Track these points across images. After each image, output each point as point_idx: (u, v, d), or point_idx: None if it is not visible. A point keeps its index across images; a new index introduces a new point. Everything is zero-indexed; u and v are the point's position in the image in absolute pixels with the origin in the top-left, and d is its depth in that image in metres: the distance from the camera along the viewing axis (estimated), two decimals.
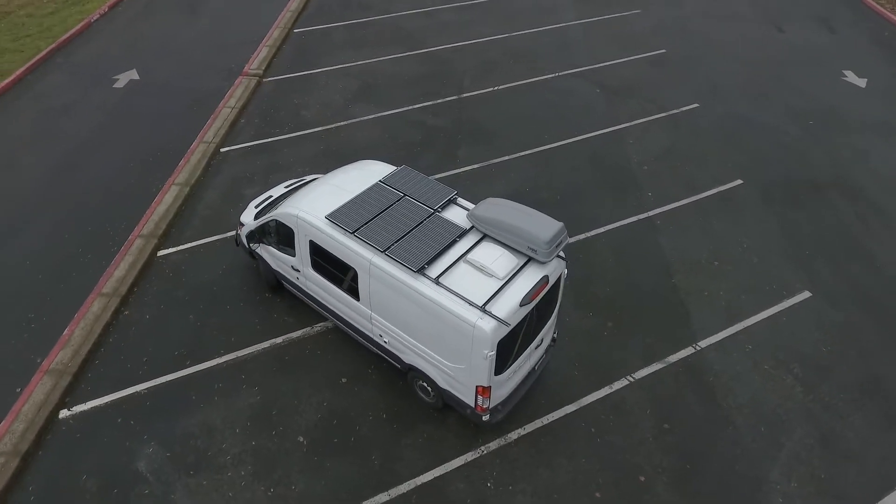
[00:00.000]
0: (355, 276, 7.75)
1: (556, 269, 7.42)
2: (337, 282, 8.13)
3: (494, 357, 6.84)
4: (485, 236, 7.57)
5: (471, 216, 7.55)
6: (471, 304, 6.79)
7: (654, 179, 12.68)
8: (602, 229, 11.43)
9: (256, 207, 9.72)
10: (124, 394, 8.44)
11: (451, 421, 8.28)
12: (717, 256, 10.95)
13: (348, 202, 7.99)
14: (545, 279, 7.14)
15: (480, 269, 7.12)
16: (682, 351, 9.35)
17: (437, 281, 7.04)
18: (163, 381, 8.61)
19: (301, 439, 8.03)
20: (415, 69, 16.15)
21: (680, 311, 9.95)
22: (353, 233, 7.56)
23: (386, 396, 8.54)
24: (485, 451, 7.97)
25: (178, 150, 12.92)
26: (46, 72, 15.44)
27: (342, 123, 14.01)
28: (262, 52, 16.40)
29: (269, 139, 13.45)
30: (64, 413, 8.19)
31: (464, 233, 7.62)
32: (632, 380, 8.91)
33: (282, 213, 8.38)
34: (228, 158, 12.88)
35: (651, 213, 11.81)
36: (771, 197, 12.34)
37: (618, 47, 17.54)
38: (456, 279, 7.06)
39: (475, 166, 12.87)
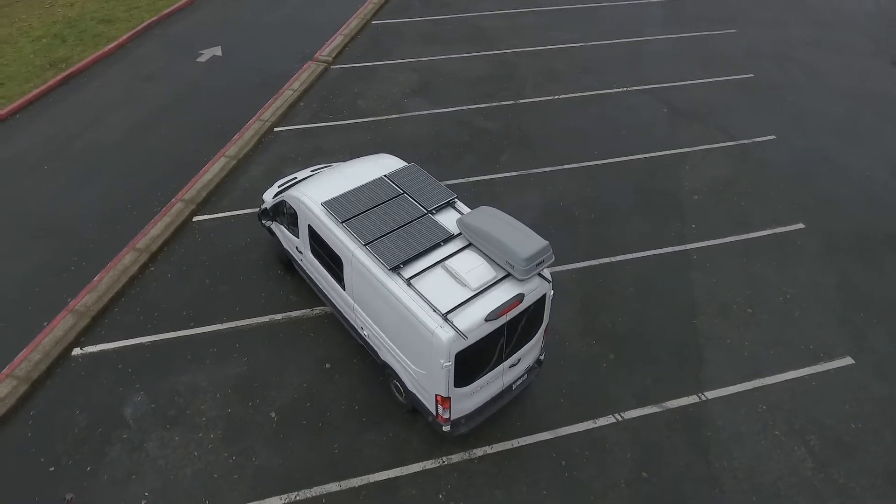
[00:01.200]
0: (341, 265, 7.85)
1: (536, 288, 7.10)
2: (329, 268, 8.28)
3: (452, 368, 6.67)
4: (469, 245, 7.39)
5: (459, 222, 7.40)
6: (435, 310, 6.66)
7: (703, 211, 11.78)
8: (630, 255, 10.79)
9: (279, 187, 10.09)
10: (130, 343, 9.10)
11: (420, 425, 8.18)
12: (752, 303, 10.01)
13: (347, 192, 8.10)
14: (519, 297, 6.85)
15: (455, 276, 6.96)
16: (684, 398, 8.64)
17: (408, 282, 6.97)
18: (166, 337, 9.19)
19: (273, 415, 8.27)
20: (479, 70, 16.04)
21: (693, 355, 9.20)
22: (341, 222, 7.66)
23: (363, 389, 8.59)
24: (445, 462, 7.81)
25: (237, 125, 13.67)
26: (144, 41, 16.88)
27: (393, 116, 14.20)
28: (337, 40, 16.97)
29: (321, 124, 13.90)
30: (76, 351, 8.97)
31: (450, 238, 7.49)
32: (619, 419, 8.36)
33: (289, 195, 8.65)
34: (279, 138, 13.47)
35: (689, 247, 10.99)
36: (834, 247, 11.08)
37: (700, 67, 16.44)
38: (428, 283, 6.95)
39: (514, 174, 12.58)
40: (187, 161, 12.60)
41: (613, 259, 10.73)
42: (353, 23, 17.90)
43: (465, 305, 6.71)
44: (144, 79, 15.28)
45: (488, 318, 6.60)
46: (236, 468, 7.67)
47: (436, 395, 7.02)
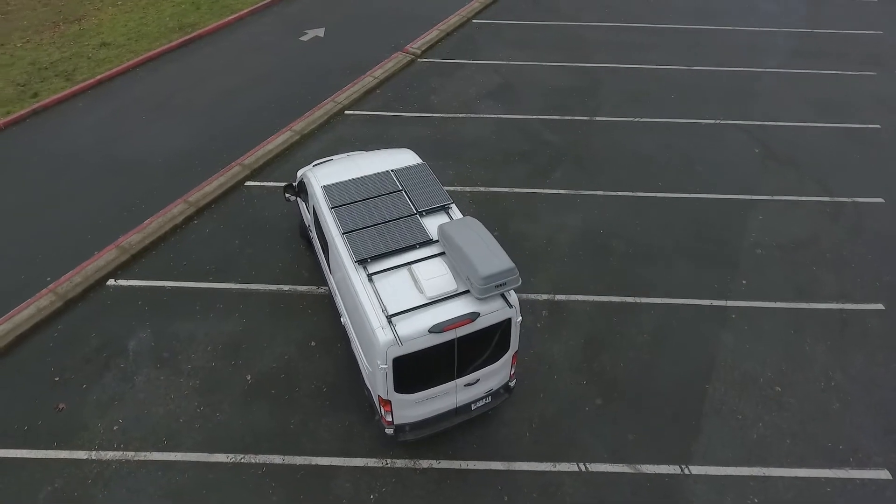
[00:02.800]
0: (328, 249, 8.01)
1: (497, 311, 6.74)
2: (323, 250, 8.49)
3: (391, 372, 6.56)
4: (442, 253, 7.19)
5: (439, 229, 7.21)
6: (383, 310, 6.58)
7: (761, 268, 10.48)
8: (658, 300, 9.89)
9: (313, 166, 10.49)
10: (154, 284, 9.99)
11: (379, 421, 8.16)
12: (783, 381, 8.75)
13: (349, 180, 8.24)
14: (472, 315, 6.54)
15: (415, 281, 6.81)
16: (665, 466, 7.79)
17: (370, 277, 6.94)
18: (184, 286, 9.97)
19: (248, 377, 8.67)
20: (563, 80, 15.47)
21: (692, 422, 8.25)
22: (332, 207, 7.81)
23: (336, 373, 8.73)
24: (388, 465, 7.73)
25: (313, 103, 14.39)
26: (261, 17, 18.28)
27: (460, 115, 14.15)
28: (431, 35, 17.20)
29: (389, 113, 14.20)
30: (110, 282, 10.02)
31: (427, 242, 7.34)
32: (583, 469, 7.73)
33: (304, 173, 8.97)
34: (347, 121, 13.97)
35: (731, 303, 9.84)
36: None
37: (817, 109, 14.57)
38: (389, 282, 6.87)
39: (560, 191, 12.02)
40: (260, 129, 13.49)
41: (638, 300, 9.90)
42: (454, 19, 18.03)
43: (415, 312, 6.55)
44: (251, 50, 16.55)
45: (432, 330, 6.39)
46: (200, 418, 8.17)
47: (378, 396, 6.96)
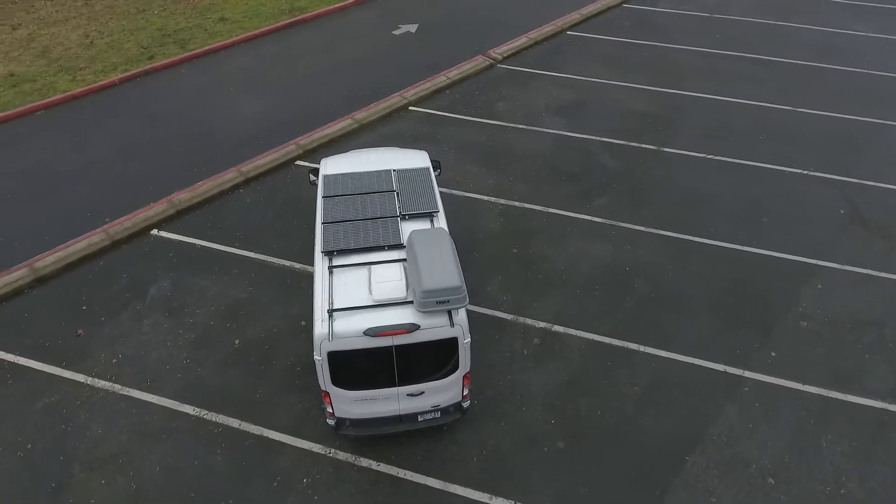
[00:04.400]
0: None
1: (441, 328, 6.58)
2: None
3: (326, 365, 6.66)
4: (404, 259, 7.13)
5: (409, 235, 7.17)
6: (329, 303, 6.69)
7: (799, 343, 9.25)
8: (663, 353, 9.10)
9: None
10: (188, 240, 10.90)
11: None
12: (781, 473, 7.70)
13: (352, 172, 8.44)
14: (410, 326, 6.44)
15: (368, 282, 6.84)
16: None
17: (330, 269, 7.09)
18: (212, 247, 10.77)
19: (236, 342, 9.22)
20: (641, 104, 14.59)
21: (655, 492, 7.53)
22: (323, 197, 8.05)
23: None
24: (329, 454, 7.87)
25: (382, 94, 14.82)
26: (364, 8, 19.05)
27: (520, 126, 13.86)
28: (519, 42, 16.96)
29: (450, 114, 14.26)
30: (154, 231, 11.08)
31: (396, 246, 7.33)
32: None
33: (322, 161, 9.31)
34: (407, 116, 14.23)
35: (748, 374, 8.81)
36: None
37: None
38: (345, 278, 6.98)
39: (597, 219, 11.39)
40: (326, 112, 14.14)
41: (641, 348, 9.17)
42: (547, 29, 17.63)
43: (357, 312, 6.60)
44: (344, 38, 17.36)
45: (366, 333, 6.41)
46: (183, 369, 8.84)
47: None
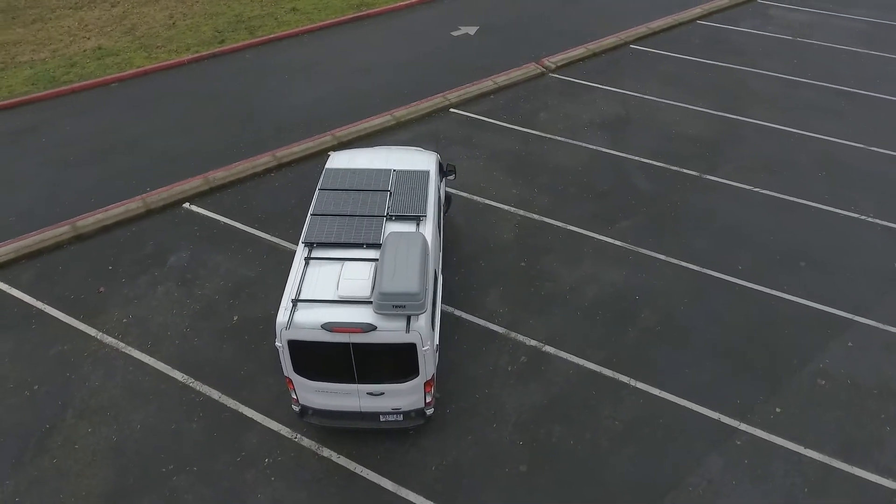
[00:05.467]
0: None
1: (398, 331, 6.55)
2: None
3: (285, 351, 6.84)
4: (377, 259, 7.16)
5: (385, 237, 7.19)
6: (296, 293, 6.86)
7: (811, 402, 8.47)
8: (654, 391, 8.61)
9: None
10: (213, 216, 11.48)
11: None
12: None
13: (351, 169, 8.56)
14: (366, 326, 6.46)
15: (338, 277, 6.93)
16: None
17: (306, 259, 7.25)
18: (234, 225, 11.29)
19: (235, 318, 9.63)
20: (692, 127, 13.82)
21: None
22: (319, 189, 8.23)
23: None
24: (295, 439, 8.06)
25: (427, 94, 14.90)
26: (428, 7, 19.22)
27: (558, 138, 13.51)
28: (576, 52, 16.53)
29: (490, 119, 14.13)
30: (186, 205, 11.76)
31: (375, 246, 7.36)
32: None
33: (331, 154, 9.51)
34: (446, 117, 14.24)
35: (744, 428, 8.17)
36: None
37: None
38: (318, 271, 7.11)
39: (617, 243, 10.92)
40: (368, 107, 14.41)
41: (631, 382, 8.72)
42: (609, 41, 17.06)
43: (320, 305, 6.71)
44: (404, 35, 17.62)
45: (323, 326, 6.50)
46: (180, 337, 9.34)
47: None
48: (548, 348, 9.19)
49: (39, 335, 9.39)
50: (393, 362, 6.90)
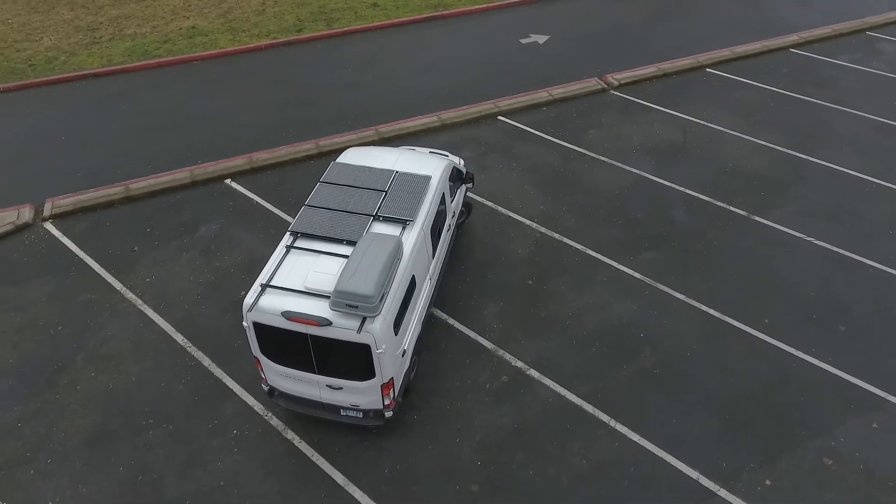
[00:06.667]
0: None
1: (350, 329, 6.61)
2: None
3: (251, 332, 7.12)
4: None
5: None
6: (269, 278, 7.10)
7: (808, 482, 7.64)
8: (634, 437, 8.11)
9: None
10: (248, 194, 12.12)
11: None
12: None
13: (356, 165, 8.70)
14: (322, 320, 6.58)
15: (310, 267, 7.12)
16: None
17: (288, 247, 7.49)
18: (264, 205, 11.85)
19: (242, 293, 10.09)
20: (756, 163, 12.80)
21: None
22: (320, 181, 8.45)
23: None
24: (266, 416, 8.37)
25: (479, 99, 14.83)
26: (504, 12, 19.08)
27: (601, 158, 13.00)
28: (646, 70, 15.79)
29: (535, 131, 13.84)
30: (227, 181, 12.50)
31: (352, 243, 7.48)
32: None
33: (347, 150, 9.73)
34: (492, 125, 14.11)
35: (723, 494, 7.52)
36: None
37: None
38: (296, 260, 7.34)
39: (635, 275, 10.36)
40: (418, 106, 14.58)
41: (611, 422, 8.26)
42: (685, 62, 16.14)
43: (286, 293, 6.93)
44: (472, 39, 17.63)
45: (283, 314, 6.70)
46: (191, 303, 9.96)
47: None
48: (532, 372, 8.92)
49: (75, 282, 10.38)
50: (349, 360, 6.99)
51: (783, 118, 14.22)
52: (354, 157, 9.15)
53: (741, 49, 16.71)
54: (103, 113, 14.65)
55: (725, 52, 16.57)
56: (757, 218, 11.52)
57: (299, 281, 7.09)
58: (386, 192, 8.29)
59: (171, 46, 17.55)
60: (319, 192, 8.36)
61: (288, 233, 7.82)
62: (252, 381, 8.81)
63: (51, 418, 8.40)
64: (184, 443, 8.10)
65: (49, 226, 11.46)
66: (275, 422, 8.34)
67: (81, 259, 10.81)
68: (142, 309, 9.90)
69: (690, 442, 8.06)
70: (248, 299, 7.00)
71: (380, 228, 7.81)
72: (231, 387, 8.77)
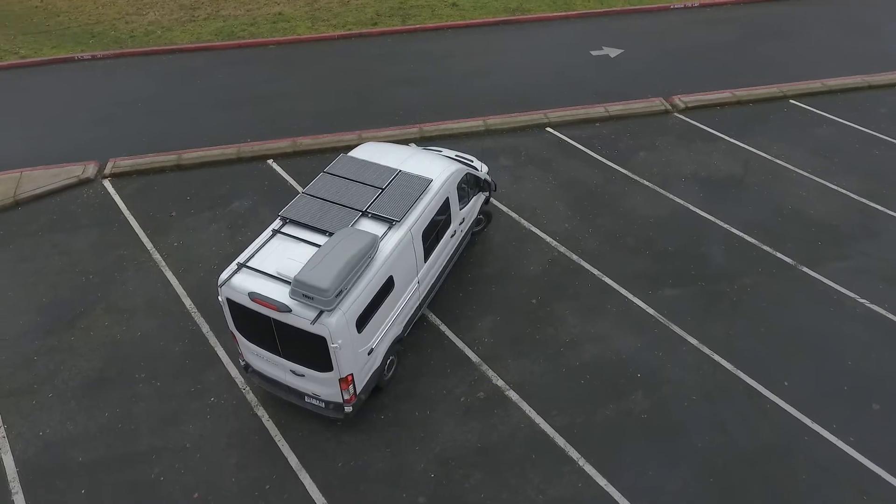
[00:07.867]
0: None
1: (307, 319, 6.69)
2: None
3: (225, 307, 7.37)
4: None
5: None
6: (247, 258, 7.33)
7: None
8: (603, 481, 7.60)
9: (426, 147, 11.11)
10: (284, 176, 12.57)
11: None
12: None
13: (362, 160, 8.76)
14: (280, 305, 6.70)
15: (286, 251, 7.28)
16: None
17: (274, 231, 7.68)
18: (294, 186, 12.25)
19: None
20: (818, 208, 11.57)
21: None
22: (323, 171, 8.59)
23: None
24: (244, 390, 8.66)
25: (531, 107, 14.46)
26: (581, 22, 18.47)
27: (643, 182, 12.26)
28: (719, 95, 14.69)
29: (580, 146, 13.30)
30: (269, 161, 13.05)
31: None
32: None
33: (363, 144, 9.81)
34: (538, 135, 13.71)
35: None
36: None
37: None
38: (279, 244, 7.56)
39: (649, 311, 9.70)
40: (467, 108, 14.45)
41: (581, 461, 7.78)
42: (764, 90, 14.85)
43: (258, 275, 7.12)
44: (542, 47, 17.21)
45: (250, 296, 6.90)
46: (206, 271, 10.48)
47: None
48: (511, 393, 8.59)
49: (115, 236, 11.27)
50: (308, 349, 7.07)
51: (866, 163, 12.73)
52: (366, 152, 9.23)
53: (835, 82, 15.13)
54: (179, 86, 15.77)
55: (815, 84, 15.07)
56: (805, 269, 10.39)
57: (273, 265, 7.26)
58: (382, 189, 8.29)
59: (255, 30, 18.57)
60: (319, 181, 8.50)
61: (278, 217, 8.04)
62: (233, 365, 9.15)
63: (62, 357, 9.19)
64: (165, 401, 8.57)
65: (106, 183, 12.53)
66: (250, 397, 8.62)
67: (125, 217, 11.71)
68: (163, 270, 10.57)
69: (662, 495, 7.44)
70: (224, 275, 7.28)
71: (365, 225, 7.83)
72: (220, 356, 9.16)
